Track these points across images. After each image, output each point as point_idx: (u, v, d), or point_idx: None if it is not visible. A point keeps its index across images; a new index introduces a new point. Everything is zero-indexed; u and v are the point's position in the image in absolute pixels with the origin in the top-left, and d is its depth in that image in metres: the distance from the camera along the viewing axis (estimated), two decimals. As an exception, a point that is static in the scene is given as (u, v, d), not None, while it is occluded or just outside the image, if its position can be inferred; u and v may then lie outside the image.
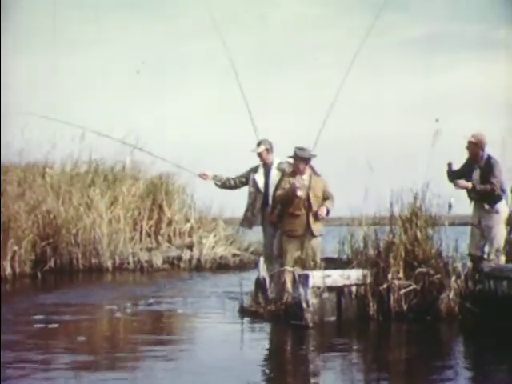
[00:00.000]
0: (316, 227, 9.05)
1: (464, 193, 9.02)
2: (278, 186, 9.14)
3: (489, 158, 8.93)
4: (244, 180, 9.81)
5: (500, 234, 8.84)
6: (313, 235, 9.01)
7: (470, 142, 8.91)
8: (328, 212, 9.09)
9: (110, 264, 14.94)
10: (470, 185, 8.82)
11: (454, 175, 9.00)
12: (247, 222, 9.81)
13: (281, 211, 9.09)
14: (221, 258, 15.89)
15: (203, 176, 10.01)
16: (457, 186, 8.87)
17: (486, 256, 8.73)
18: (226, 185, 9.98)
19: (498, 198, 8.90)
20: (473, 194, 8.95)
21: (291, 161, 9.21)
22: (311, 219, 9.00)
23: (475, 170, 8.94)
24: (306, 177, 9.07)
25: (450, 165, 9.00)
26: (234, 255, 16.09)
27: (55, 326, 8.33)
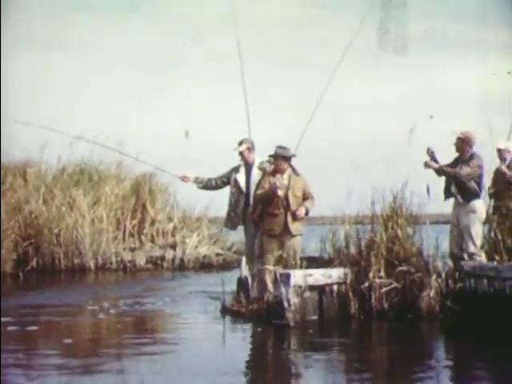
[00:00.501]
0: (294, 227, 9.06)
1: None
2: (258, 185, 9.15)
3: (473, 153, 9.00)
4: (225, 180, 9.81)
5: (476, 233, 8.87)
6: (291, 235, 9.03)
7: (458, 138, 9.00)
8: (307, 212, 9.11)
9: (92, 264, 14.89)
10: (437, 165, 8.87)
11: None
12: (230, 222, 9.81)
13: (261, 211, 9.11)
14: (204, 257, 15.88)
15: (184, 178, 10.02)
16: (425, 165, 8.92)
17: (465, 255, 8.76)
18: (207, 186, 9.98)
19: (473, 194, 8.92)
20: (449, 185, 8.98)
21: (272, 159, 9.22)
22: (289, 219, 9.02)
23: (459, 164, 9.00)
24: (285, 176, 9.09)
25: (432, 152, 8.96)
26: (218, 254, 16.08)
27: (34, 328, 8.25)
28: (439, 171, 8.93)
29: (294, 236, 9.05)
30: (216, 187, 9.96)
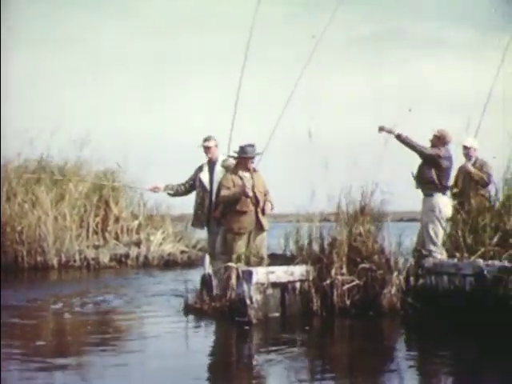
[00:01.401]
0: (265, 222, 9.18)
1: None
2: (220, 185, 9.17)
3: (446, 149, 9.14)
4: (193, 182, 9.82)
5: (435, 231, 8.92)
6: (263, 229, 9.13)
7: (434, 136, 9.13)
8: (272, 207, 9.20)
9: (55, 262, 14.76)
10: (395, 131, 8.93)
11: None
12: (198, 221, 9.80)
13: (224, 209, 9.12)
14: (169, 255, 15.83)
15: (155, 189, 10.06)
16: (380, 129, 8.99)
17: (425, 252, 8.84)
18: (178, 192, 9.99)
19: (429, 182, 8.97)
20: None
21: (234, 159, 9.26)
22: (260, 215, 9.08)
23: None
24: (247, 174, 9.14)
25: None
26: (182, 252, 16.05)
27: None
28: (397, 137, 8.94)
29: (264, 231, 9.12)
30: (186, 192, 9.97)
